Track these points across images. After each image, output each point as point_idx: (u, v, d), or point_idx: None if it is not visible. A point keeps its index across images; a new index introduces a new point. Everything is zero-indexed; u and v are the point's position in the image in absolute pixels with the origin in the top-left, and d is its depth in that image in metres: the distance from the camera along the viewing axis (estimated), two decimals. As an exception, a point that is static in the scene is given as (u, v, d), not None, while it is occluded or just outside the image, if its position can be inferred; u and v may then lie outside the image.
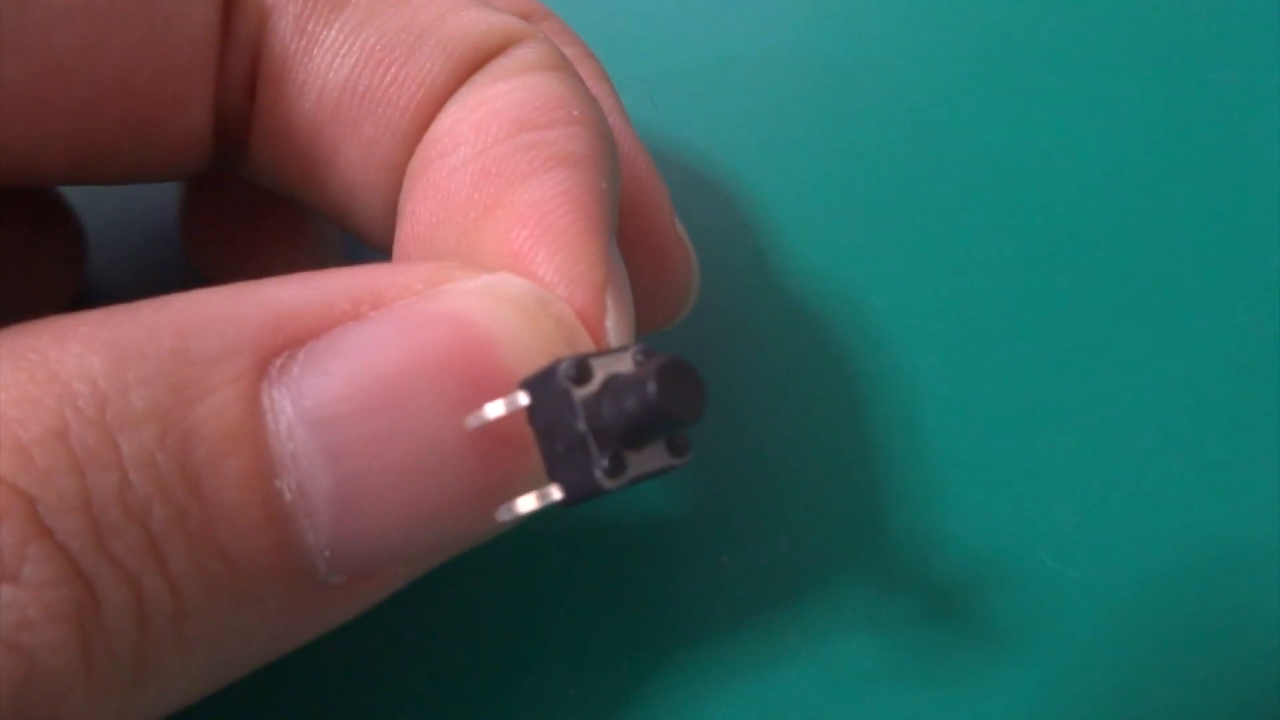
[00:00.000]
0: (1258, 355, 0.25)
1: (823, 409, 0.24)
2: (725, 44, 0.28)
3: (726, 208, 0.26)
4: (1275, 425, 0.24)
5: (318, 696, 0.21)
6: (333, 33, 0.17)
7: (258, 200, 0.22)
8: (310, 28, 0.17)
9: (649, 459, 0.14)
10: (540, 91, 0.16)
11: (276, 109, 0.17)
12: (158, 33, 0.16)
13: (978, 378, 0.24)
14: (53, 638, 0.12)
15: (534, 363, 0.14)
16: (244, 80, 0.17)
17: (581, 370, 0.13)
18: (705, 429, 0.23)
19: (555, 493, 0.13)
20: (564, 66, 0.17)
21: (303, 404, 0.13)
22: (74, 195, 0.23)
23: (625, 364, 0.14)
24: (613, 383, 0.13)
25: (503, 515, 0.14)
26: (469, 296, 0.14)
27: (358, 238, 0.19)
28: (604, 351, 0.14)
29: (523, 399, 0.13)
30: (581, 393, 0.13)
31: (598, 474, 0.13)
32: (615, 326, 0.15)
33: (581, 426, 0.13)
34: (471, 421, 0.14)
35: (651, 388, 0.13)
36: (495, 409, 0.14)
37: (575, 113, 0.16)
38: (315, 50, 0.17)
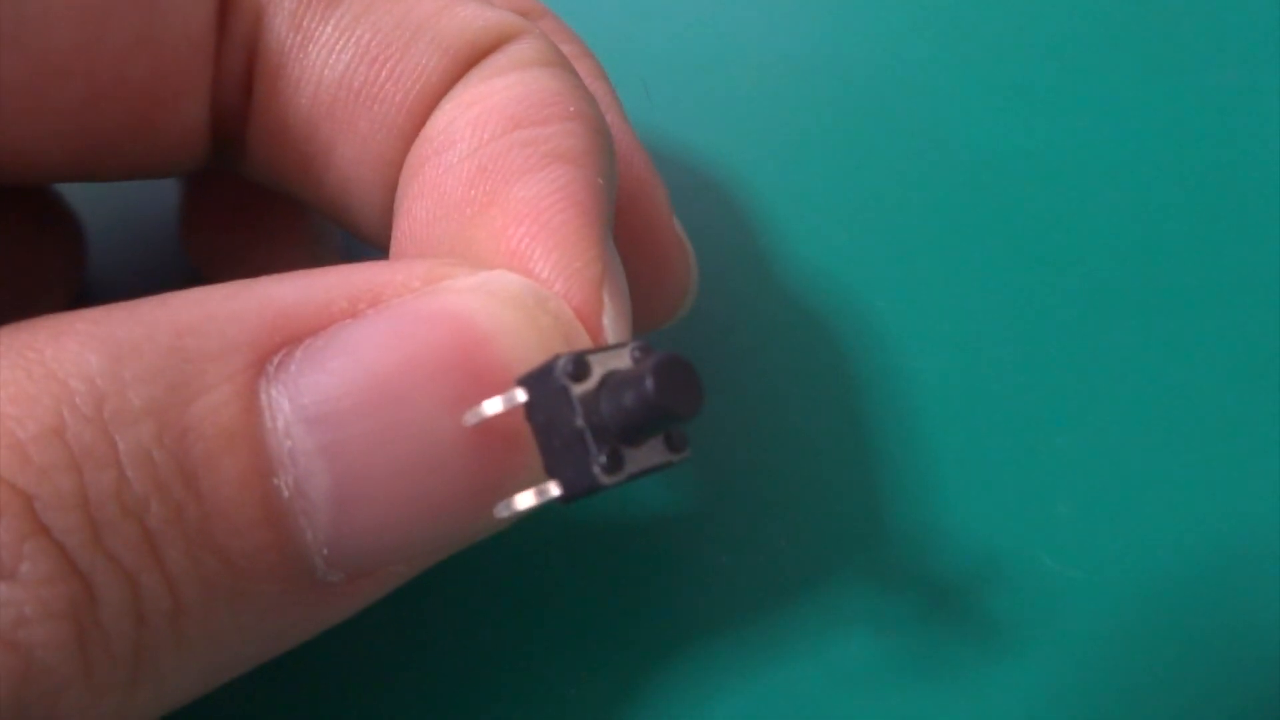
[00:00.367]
0: (1258, 355, 0.25)
1: (823, 409, 0.24)
2: (725, 44, 0.28)
3: (726, 208, 0.26)
4: (1275, 425, 0.24)
5: (316, 696, 0.21)
6: (328, 29, 0.17)
7: (257, 199, 0.22)
8: (305, 24, 0.17)
9: (647, 455, 0.14)
10: (536, 87, 0.16)
11: (272, 105, 0.17)
12: (154, 29, 0.16)
13: (978, 377, 0.24)
14: (50, 635, 0.12)
15: (531, 360, 0.14)
16: (240, 77, 0.17)
17: (579, 366, 0.13)
18: (705, 429, 0.23)
19: (553, 489, 0.13)
20: (560, 62, 0.17)
21: (300, 401, 0.13)
22: (75, 195, 0.23)
23: (623, 360, 0.14)
24: (610, 379, 0.13)
25: (501, 512, 0.14)
26: (466, 294, 0.14)
27: (355, 235, 0.19)
28: (602, 348, 0.14)
29: (520, 395, 0.13)
30: (579, 389, 0.13)
31: (596, 470, 0.13)
32: (613, 323, 0.15)
33: (579, 422, 0.13)
34: (469, 418, 0.14)
35: (649, 383, 0.13)
36: (493, 406, 0.13)
37: (571, 109, 0.16)
38: (310, 46, 0.17)
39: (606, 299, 0.15)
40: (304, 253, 0.22)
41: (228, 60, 0.17)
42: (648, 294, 0.20)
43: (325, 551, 0.14)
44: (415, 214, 0.16)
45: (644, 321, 0.21)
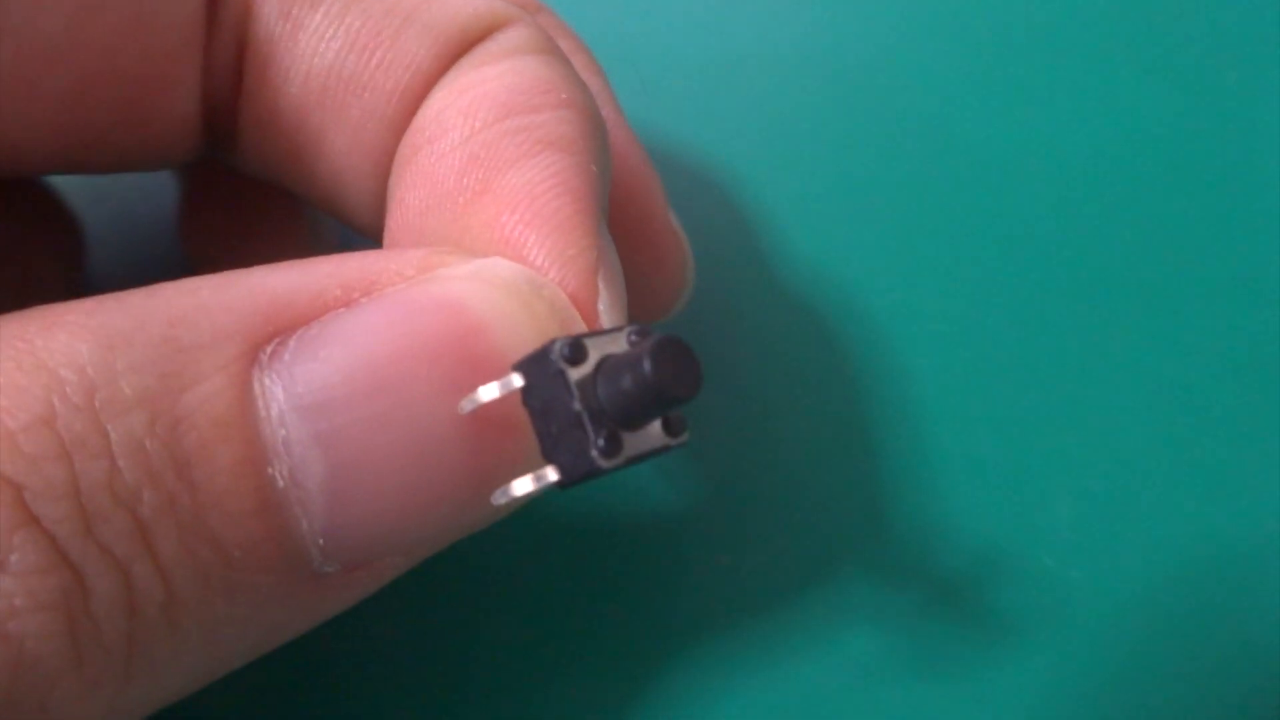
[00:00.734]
0: (1258, 355, 0.25)
1: (823, 407, 0.24)
2: (725, 43, 0.28)
3: (726, 206, 0.26)
4: (1275, 425, 0.24)
5: (314, 694, 0.21)
6: (317, 17, 0.17)
7: (254, 195, 0.22)
8: (295, 12, 0.17)
9: (645, 439, 0.14)
10: (528, 75, 0.16)
11: (263, 94, 0.17)
12: (143, 16, 0.16)
13: (978, 376, 0.24)
14: (40, 626, 0.12)
15: (527, 346, 0.14)
16: (230, 65, 0.17)
17: (576, 350, 0.13)
18: (705, 428, 0.23)
19: (551, 474, 0.13)
20: (552, 50, 0.17)
21: (294, 390, 0.13)
22: (74, 193, 0.23)
23: (619, 344, 0.14)
24: (607, 363, 0.13)
25: (499, 499, 0.14)
26: (461, 281, 0.14)
27: (348, 225, 0.19)
28: (598, 332, 0.14)
29: (517, 381, 0.13)
30: (576, 373, 0.13)
31: (594, 454, 0.13)
32: (608, 309, 0.15)
33: (576, 406, 0.13)
34: (465, 405, 0.14)
35: (647, 365, 0.13)
36: (489, 392, 0.13)
37: (564, 96, 0.16)
38: (300, 35, 0.17)
39: (601, 285, 0.15)
40: (301, 247, 0.22)
41: (218, 49, 0.17)
42: (643, 287, 0.20)
43: (321, 542, 0.14)
44: (408, 203, 0.16)
45: (639, 314, 0.21)
